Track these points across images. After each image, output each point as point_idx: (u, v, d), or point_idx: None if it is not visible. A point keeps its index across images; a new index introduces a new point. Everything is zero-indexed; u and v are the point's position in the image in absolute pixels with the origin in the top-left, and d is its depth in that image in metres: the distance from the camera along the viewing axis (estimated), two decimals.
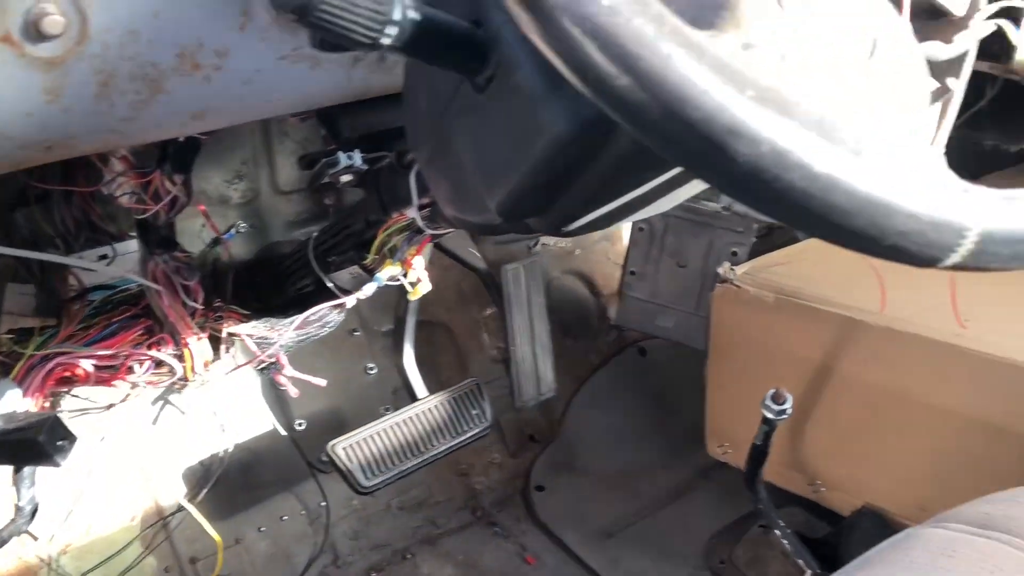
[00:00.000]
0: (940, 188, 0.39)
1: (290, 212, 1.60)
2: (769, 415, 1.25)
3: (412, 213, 1.00)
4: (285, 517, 1.56)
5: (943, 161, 0.43)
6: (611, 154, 0.60)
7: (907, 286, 1.47)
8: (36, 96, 0.75)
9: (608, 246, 2.04)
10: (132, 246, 1.26)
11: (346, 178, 1.04)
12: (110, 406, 1.31)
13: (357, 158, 1.01)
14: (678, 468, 1.82)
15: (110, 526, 1.39)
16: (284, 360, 1.32)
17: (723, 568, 1.58)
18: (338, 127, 1.02)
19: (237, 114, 0.90)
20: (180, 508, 1.45)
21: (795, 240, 1.86)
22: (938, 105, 0.57)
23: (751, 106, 0.36)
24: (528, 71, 0.58)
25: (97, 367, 1.09)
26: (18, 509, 0.97)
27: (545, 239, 1.97)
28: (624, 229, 1.92)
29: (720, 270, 1.55)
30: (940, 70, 0.63)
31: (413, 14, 0.55)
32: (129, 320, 1.14)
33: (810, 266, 1.57)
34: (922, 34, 0.66)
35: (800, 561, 1.41)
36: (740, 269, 1.56)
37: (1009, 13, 0.66)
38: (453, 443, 1.37)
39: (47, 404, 1.11)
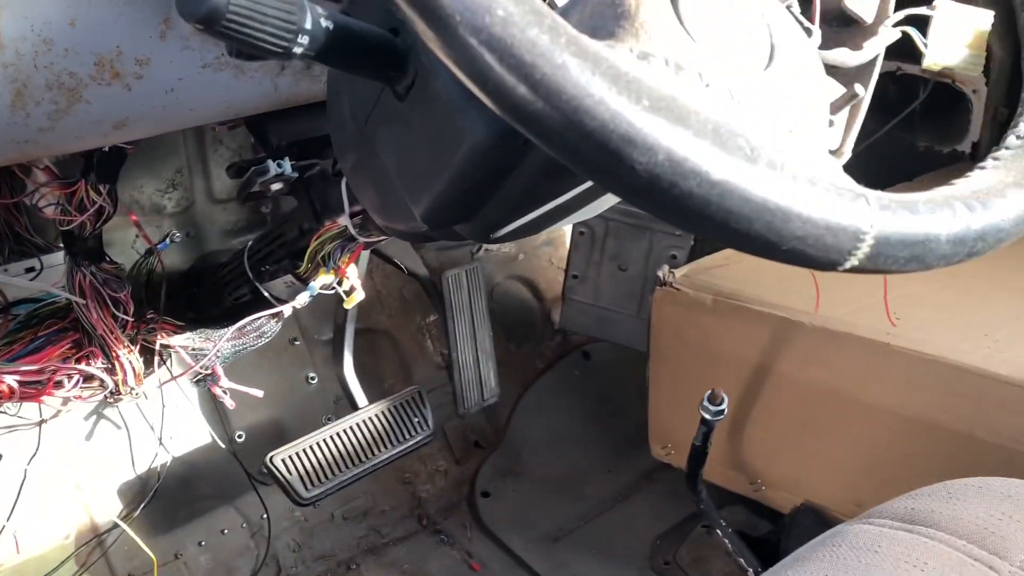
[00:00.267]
0: (835, 193, 0.40)
1: (226, 221, 1.58)
2: (707, 416, 1.27)
3: (344, 221, 0.99)
4: (226, 530, 1.53)
5: (840, 167, 0.43)
6: (533, 160, 0.60)
7: (841, 286, 1.49)
8: None
9: (551, 251, 2.05)
10: (59, 258, 1.24)
11: (277, 186, 1.03)
12: (41, 422, 1.28)
13: (287, 166, 1.00)
14: (623, 470, 1.83)
15: (43, 544, 1.35)
16: (220, 371, 1.30)
17: (667, 569, 1.59)
18: (267, 135, 1.01)
19: (161, 123, 0.89)
20: (116, 524, 1.42)
21: None
22: (846, 111, 0.58)
23: (646, 115, 0.37)
24: (446, 79, 0.58)
25: (22, 383, 1.06)
26: None
27: (488, 244, 1.98)
28: (566, 233, 1.93)
29: (659, 273, 1.56)
30: (849, 76, 0.64)
31: (326, 22, 0.55)
32: (57, 334, 1.12)
33: (747, 268, 1.59)
34: (833, 41, 0.67)
35: (741, 560, 1.43)
36: (679, 272, 1.57)
37: (916, 20, 0.68)
38: (395, 452, 1.36)
39: None
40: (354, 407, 1.43)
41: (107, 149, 1.00)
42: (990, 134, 2.25)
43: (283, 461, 1.26)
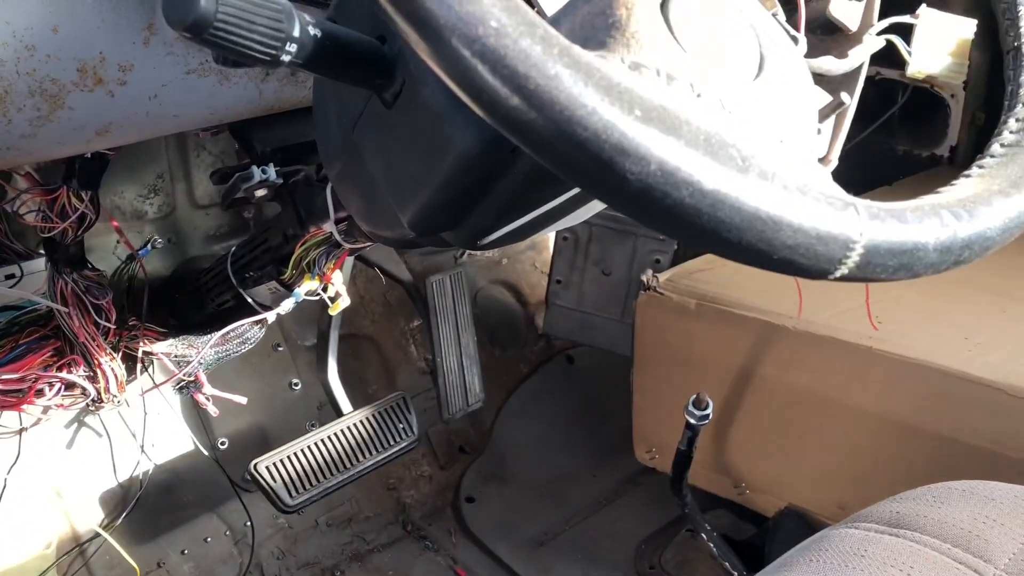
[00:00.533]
0: (826, 202, 0.40)
1: (209, 226, 1.57)
2: (691, 420, 1.27)
3: (329, 227, 0.99)
4: (209, 538, 1.52)
5: (829, 175, 0.44)
6: (520, 168, 0.60)
7: (824, 291, 1.50)
8: None
9: (535, 255, 2.05)
10: (40, 265, 1.23)
11: (261, 192, 1.02)
12: (22, 430, 1.26)
13: (271, 172, 1.00)
14: (607, 475, 1.84)
15: (23, 554, 1.34)
16: (203, 378, 1.30)
17: (652, 573, 1.59)
18: (251, 141, 1.00)
19: (144, 130, 0.88)
20: (98, 534, 1.41)
21: None
22: (832, 118, 0.58)
23: (638, 125, 0.37)
24: (434, 87, 0.58)
25: (2, 392, 1.05)
26: None
27: (475, 251, 1.98)
28: (549, 238, 1.93)
29: (643, 277, 1.57)
30: (835, 84, 0.64)
31: (313, 30, 0.54)
32: (38, 342, 1.10)
33: (731, 272, 1.60)
34: (818, 49, 0.68)
35: (727, 563, 1.43)
36: (663, 276, 1.58)
37: (899, 28, 0.68)
38: (380, 458, 1.35)
39: None
40: (338, 413, 1.43)
41: (89, 155, 0.99)
42: (968, 138, 2.28)
43: (267, 468, 1.25)
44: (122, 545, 1.41)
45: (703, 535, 1.45)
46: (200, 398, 1.30)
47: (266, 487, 1.24)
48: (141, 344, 1.25)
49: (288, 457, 1.27)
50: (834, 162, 0.58)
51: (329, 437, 1.33)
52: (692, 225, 0.39)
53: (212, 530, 1.53)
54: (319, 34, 0.55)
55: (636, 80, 0.39)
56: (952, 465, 1.29)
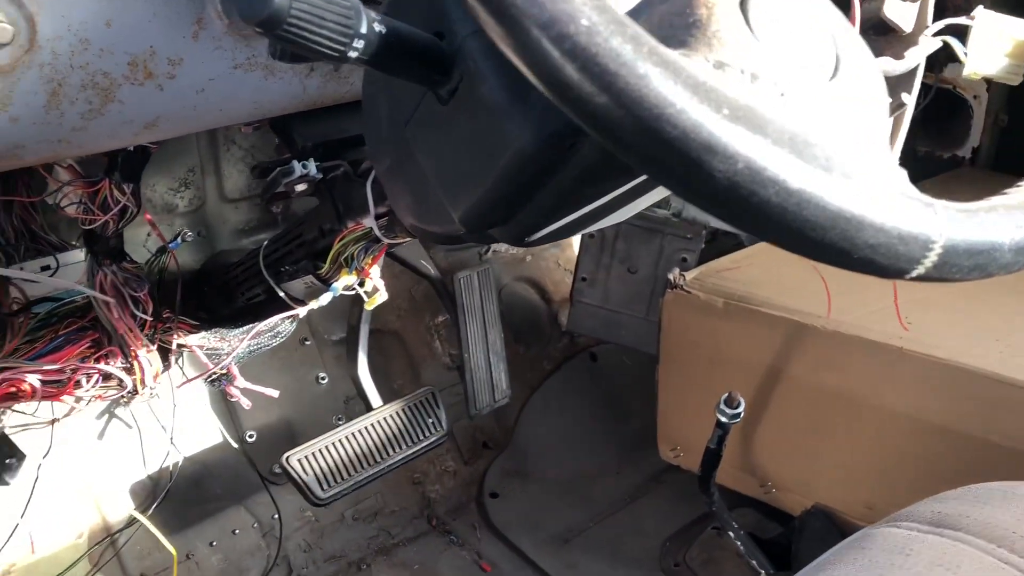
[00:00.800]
0: (907, 202, 0.40)
1: (238, 220, 1.58)
2: (723, 418, 1.27)
3: (369, 223, 0.99)
4: (237, 530, 1.53)
5: (906, 176, 0.44)
6: (575, 166, 0.60)
7: (852, 290, 1.50)
8: None
9: (558, 253, 2.05)
10: (75, 256, 1.23)
11: (301, 187, 1.03)
12: (54, 421, 1.27)
13: (312, 167, 1.00)
14: (630, 472, 1.84)
15: (56, 544, 1.35)
16: (236, 371, 1.30)
17: (678, 570, 1.60)
18: (292, 136, 1.01)
19: (190, 123, 0.89)
20: (129, 524, 1.42)
21: (742, 245, 1.89)
22: (891, 120, 0.58)
23: (727, 124, 0.37)
24: (493, 84, 0.58)
25: (44, 382, 1.06)
26: None
27: (496, 245, 1.98)
28: (575, 235, 1.93)
29: (670, 276, 1.57)
30: (893, 85, 0.64)
31: (379, 27, 0.55)
32: (76, 333, 1.11)
33: (758, 271, 1.60)
34: (872, 49, 0.68)
35: (753, 562, 1.43)
36: (690, 275, 1.58)
37: (954, 29, 0.68)
38: (409, 452, 1.36)
39: None
40: (368, 407, 1.43)
41: (131, 148, 1.00)
42: (991, 140, 2.27)
43: (299, 461, 1.26)
44: (152, 536, 1.42)
45: (730, 533, 1.45)
46: (232, 391, 1.31)
47: (298, 480, 1.24)
48: (174, 337, 1.25)
49: (320, 450, 1.28)
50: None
51: (360, 431, 1.33)
52: (776, 223, 0.39)
53: (240, 522, 1.54)
54: (384, 31, 0.55)
55: (722, 79, 0.39)
56: (982, 466, 1.29)
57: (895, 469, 1.38)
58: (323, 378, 1.68)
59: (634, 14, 0.47)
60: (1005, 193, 0.49)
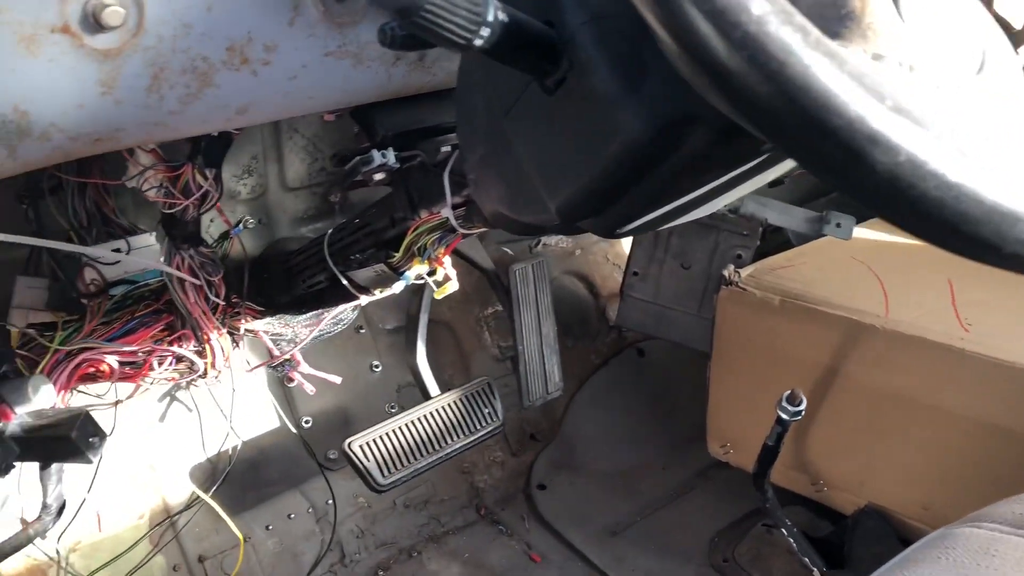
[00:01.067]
0: None
1: (297, 209, 1.59)
2: (784, 416, 1.27)
3: (446, 213, 1.00)
4: (292, 515, 1.55)
5: None
6: (681, 156, 0.60)
7: (908, 291, 1.49)
8: (90, 88, 0.74)
9: (607, 247, 2.05)
10: (144, 240, 1.25)
11: (379, 176, 1.04)
12: (117, 402, 1.29)
13: (391, 157, 1.01)
14: (676, 468, 1.84)
15: (119, 524, 1.37)
16: (300, 357, 1.32)
17: (726, 566, 1.60)
18: (373, 125, 1.02)
19: (280, 109, 0.90)
20: (188, 506, 1.44)
21: (789, 243, 1.88)
22: None
23: (890, 116, 0.37)
24: (605, 74, 0.58)
25: (121, 363, 1.08)
26: (45, 506, 0.96)
27: (546, 239, 1.98)
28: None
29: (725, 272, 1.57)
30: None
31: (503, 15, 0.55)
32: (151, 315, 1.13)
33: (813, 269, 1.60)
34: None
35: (806, 559, 1.43)
36: (744, 272, 1.58)
37: None
38: (466, 442, 1.37)
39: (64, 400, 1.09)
40: (425, 396, 1.44)
41: (215, 133, 1.01)
42: None
43: (360, 447, 1.27)
44: (210, 519, 1.45)
45: (783, 530, 1.45)
46: (296, 376, 1.32)
47: (360, 465, 1.25)
48: (241, 322, 1.27)
49: (380, 437, 1.29)
50: None
51: (418, 419, 1.34)
52: (931, 216, 0.39)
53: (295, 507, 1.56)
54: (506, 19, 0.56)
55: (880, 71, 0.40)
56: None
57: (953, 470, 1.37)
58: (377, 366, 1.69)
59: None
60: None
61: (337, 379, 1.33)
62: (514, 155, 0.71)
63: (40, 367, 1.01)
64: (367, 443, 1.27)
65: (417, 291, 1.50)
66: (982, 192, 0.39)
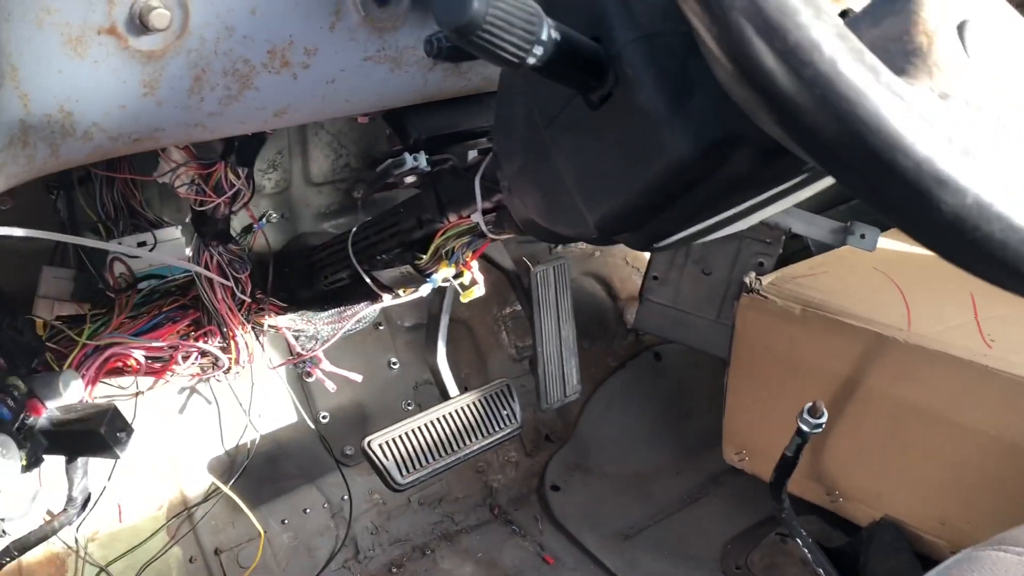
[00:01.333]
0: None
1: (320, 204, 1.59)
2: (804, 427, 1.27)
3: (477, 218, 1.00)
4: (308, 510, 1.55)
5: None
6: (725, 175, 0.60)
7: (930, 304, 1.49)
8: (133, 88, 0.74)
9: (626, 250, 2.05)
10: (171, 234, 1.26)
11: (410, 179, 1.04)
12: (138, 393, 1.30)
13: (423, 160, 1.01)
14: (690, 473, 1.84)
15: (137, 515, 1.38)
16: (322, 354, 1.32)
17: (739, 573, 1.60)
18: (406, 128, 1.02)
19: (317, 112, 0.90)
20: (206, 498, 1.44)
21: (809, 251, 1.88)
22: None
23: (959, 158, 0.37)
24: (652, 92, 0.58)
25: (148, 358, 1.08)
26: (70, 499, 0.96)
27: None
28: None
29: (746, 280, 1.56)
30: None
31: (555, 34, 0.55)
32: (178, 311, 1.13)
33: (835, 279, 1.59)
34: None
35: (821, 571, 1.43)
36: (766, 279, 1.57)
37: None
38: (485, 443, 1.37)
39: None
40: (444, 396, 1.44)
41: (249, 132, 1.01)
42: None
43: (380, 446, 1.27)
44: (227, 512, 1.45)
45: (799, 540, 1.45)
46: (318, 373, 1.32)
47: (379, 464, 1.26)
48: (265, 318, 1.27)
49: (400, 436, 1.29)
50: None
51: (437, 419, 1.34)
52: (994, 258, 0.39)
53: (311, 502, 1.56)
54: (559, 38, 0.55)
55: (947, 111, 0.40)
56: None
57: (972, 487, 1.37)
58: (395, 363, 1.69)
59: None
60: None
61: (358, 377, 1.33)
62: (553, 167, 0.71)
63: (68, 361, 1.01)
64: (386, 442, 1.27)
65: (439, 290, 1.50)
66: None
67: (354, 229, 1.31)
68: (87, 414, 0.93)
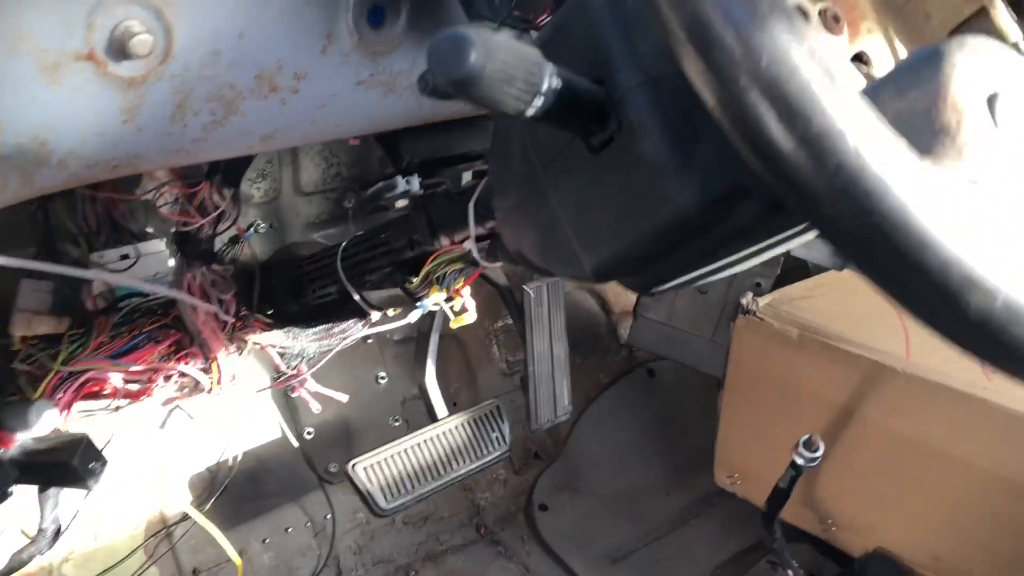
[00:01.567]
0: None
1: (310, 213, 1.55)
2: (799, 460, 1.24)
3: (470, 245, 0.96)
4: (290, 528, 1.52)
5: None
6: (730, 226, 0.57)
7: (931, 334, 1.46)
8: (112, 115, 0.70)
9: None
10: (154, 247, 1.21)
11: (401, 203, 1.00)
12: (116, 408, 1.26)
13: (415, 183, 0.98)
14: (681, 494, 1.81)
15: (114, 534, 1.34)
16: (306, 372, 1.29)
17: None
18: (399, 150, 0.98)
19: (306, 136, 0.86)
20: (185, 517, 1.40)
21: (808, 271, 1.85)
22: None
23: (990, 259, 0.34)
24: (656, 140, 0.55)
25: (126, 381, 1.04)
26: (41, 531, 0.93)
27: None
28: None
29: (743, 300, 1.53)
30: None
31: (557, 82, 0.52)
32: (159, 331, 1.09)
33: (833, 301, 1.57)
34: None
35: None
36: (763, 301, 1.54)
37: None
38: (473, 467, 1.34)
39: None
40: (432, 417, 1.41)
41: None
42: None
43: (364, 470, 1.24)
44: (207, 532, 1.41)
45: (790, 572, 1.42)
46: (303, 393, 1.29)
47: (362, 489, 1.23)
48: (250, 334, 1.24)
49: (385, 460, 1.26)
50: None
51: (424, 442, 1.32)
52: (1020, 359, 0.36)
53: (294, 520, 1.53)
54: (560, 86, 0.52)
55: (977, 199, 0.37)
56: None
57: (967, 522, 1.34)
58: (382, 377, 1.66)
59: None
60: None
61: (344, 397, 1.30)
62: (550, 208, 0.68)
63: (42, 388, 0.97)
64: (371, 466, 1.24)
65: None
66: None
67: (343, 244, 1.28)
68: (59, 444, 0.90)
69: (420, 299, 1.09)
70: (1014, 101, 0.41)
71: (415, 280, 1.07)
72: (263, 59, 0.76)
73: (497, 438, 1.38)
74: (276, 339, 1.29)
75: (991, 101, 0.41)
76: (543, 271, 0.81)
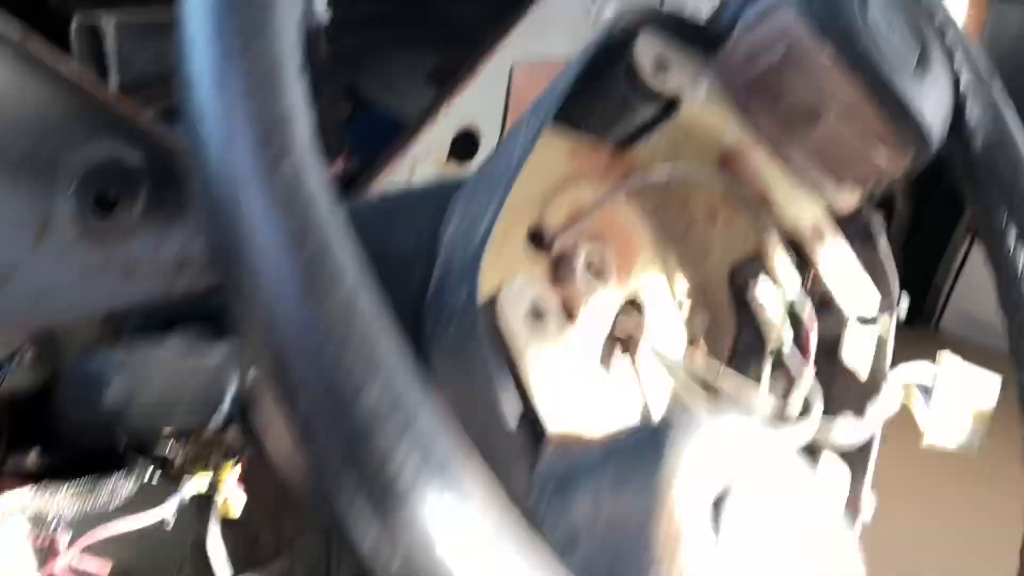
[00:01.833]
0: None
1: (89, 334, 1.41)
2: None
3: None
4: None
5: None
6: None
7: None
8: None
9: None
10: None
11: None
12: None
13: None
14: None
15: None
16: (61, 544, 1.13)
17: None
18: None
19: (27, 321, 0.76)
20: None
21: None
22: None
23: None
24: None
25: None
26: None
27: None
28: None
29: None
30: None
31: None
32: None
33: None
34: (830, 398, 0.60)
35: None
36: None
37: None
38: None
39: None
40: None
41: None
42: None
43: None
44: None
45: None
46: (55, 570, 1.13)
47: None
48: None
49: None
50: None
51: None
52: None
53: None
54: None
55: None
56: None
57: None
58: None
59: None
60: None
61: (104, 569, 1.14)
62: None
63: None
64: None
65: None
66: None
67: None
68: None
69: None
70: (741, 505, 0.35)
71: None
72: None
73: None
74: (25, 499, 1.13)
75: (717, 507, 0.35)
76: None
